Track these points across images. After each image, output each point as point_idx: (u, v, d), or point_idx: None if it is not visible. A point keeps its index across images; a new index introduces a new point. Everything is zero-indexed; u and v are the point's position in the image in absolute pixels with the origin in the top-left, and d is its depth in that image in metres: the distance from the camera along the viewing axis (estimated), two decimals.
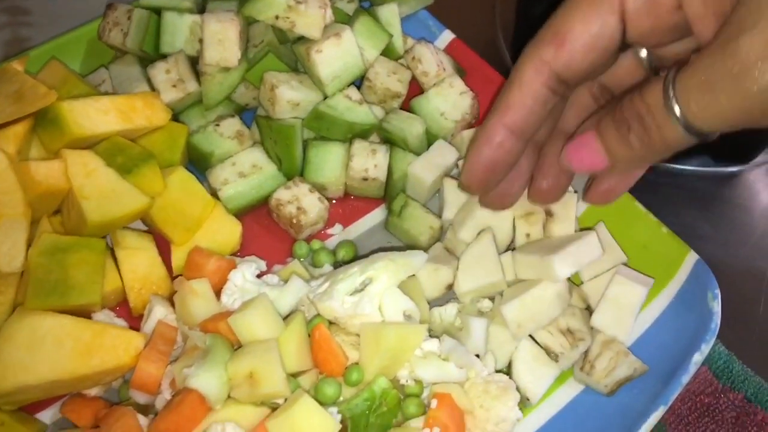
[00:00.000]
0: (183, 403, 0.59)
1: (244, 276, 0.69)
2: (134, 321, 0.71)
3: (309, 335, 0.66)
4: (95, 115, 0.69)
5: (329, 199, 0.82)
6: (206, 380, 0.59)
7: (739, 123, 0.44)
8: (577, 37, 0.49)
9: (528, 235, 0.74)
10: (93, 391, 0.68)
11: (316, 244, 0.79)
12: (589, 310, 0.73)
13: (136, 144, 0.72)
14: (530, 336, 0.71)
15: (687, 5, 0.47)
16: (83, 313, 0.66)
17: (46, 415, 0.68)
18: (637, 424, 0.67)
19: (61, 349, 0.63)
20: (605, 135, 0.52)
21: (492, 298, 0.74)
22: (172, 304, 0.70)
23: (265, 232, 0.81)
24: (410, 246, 0.79)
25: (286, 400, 0.61)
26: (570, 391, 0.72)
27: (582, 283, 0.75)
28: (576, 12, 0.49)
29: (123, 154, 0.70)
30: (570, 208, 0.73)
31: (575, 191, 0.74)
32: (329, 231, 0.82)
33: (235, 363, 0.60)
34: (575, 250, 0.69)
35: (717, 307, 0.71)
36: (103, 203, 0.66)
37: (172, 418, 0.59)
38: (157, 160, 0.72)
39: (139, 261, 0.72)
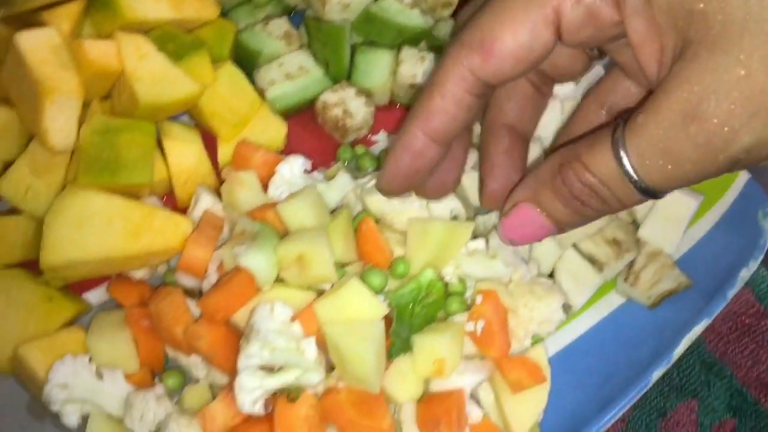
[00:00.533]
0: (233, 280, 0.59)
1: (291, 169, 0.68)
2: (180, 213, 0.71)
3: (355, 231, 0.66)
4: (147, 1, 0.69)
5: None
6: (256, 260, 0.59)
7: (703, 180, 0.41)
8: (505, 48, 0.43)
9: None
10: (139, 274, 0.68)
11: (360, 149, 0.78)
12: (635, 225, 0.73)
13: (186, 34, 0.71)
14: (575, 246, 0.70)
15: (630, 30, 0.42)
16: (132, 196, 0.66)
17: (93, 296, 0.69)
18: (678, 336, 0.67)
19: (110, 228, 0.63)
20: (552, 210, 0.47)
21: None
22: (218, 197, 0.70)
23: (310, 135, 0.80)
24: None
25: (332, 286, 0.61)
26: (612, 302, 0.72)
27: None
28: (505, 19, 0.43)
29: (174, 42, 0.70)
30: None
31: None
32: (373, 137, 0.81)
33: (285, 246, 0.60)
34: None
35: (767, 225, 0.70)
36: (155, 86, 0.66)
37: (221, 294, 0.59)
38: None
39: (186, 153, 0.72)
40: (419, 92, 0.48)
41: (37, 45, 0.62)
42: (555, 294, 0.64)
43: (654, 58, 0.41)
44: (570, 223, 0.47)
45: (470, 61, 0.44)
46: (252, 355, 0.55)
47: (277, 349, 0.56)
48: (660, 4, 0.39)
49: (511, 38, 0.43)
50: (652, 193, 0.41)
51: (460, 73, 0.45)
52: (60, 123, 0.63)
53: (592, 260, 0.70)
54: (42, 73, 0.61)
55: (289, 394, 0.58)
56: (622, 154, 0.40)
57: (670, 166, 0.39)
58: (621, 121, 0.41)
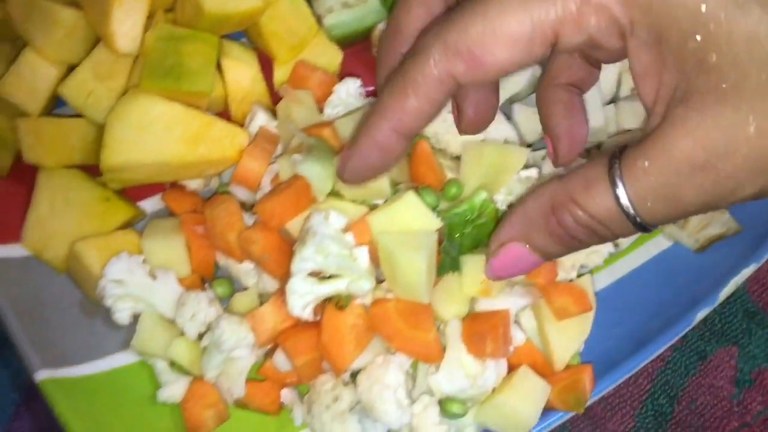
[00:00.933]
0: (290, 187, 0.60)
1: (348, 90, 0.69)
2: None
3: (408, 154, 0.66)
4: None
5: None
6: (313, 168, 0.60)
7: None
8: (496, 63, 0.41)
9: (633, 89, 0.73)
10: (193, 185, 0.70)
11: None
12: None
13: None
14: None
15: (633, 60, 0.40)
16: (191, 105, 0.66)
17: (147, 204, 0.71)
18: (725, 280, 0.67)
19: (170, 133, 0.64)
20: (544, 248, 0.46)
21: (588, 151, 0.73)
22: (273, 116, 0.71)
23: (363, 65, 0.80)
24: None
25: (385, 201, 0.61)
26: (659, 244, 0.72)
27: None
28: (499, 32, 0.40)
29: None
30: None
31: None
32: None
33: None
34: None
35: None
36: None
37: (277, 200, 0.60)
38: None
39: (243, 72, 0.72)
40: (389, 84, 0.45)
41: None
42: None
43: (653, 89, 0.40)
44: (561, 255, 0.47)
45: (454, 67, 0.41)
46: (306, 258, 0.56)
47: (331, 254, 0.57)
48: (671, 46, 0.38)
49: (504, 53, 0.40)
50: (647, 229, 0.41)
51: (440, 77, 0.42)
52: (126, 26, 0.64)
53: None
54: None
55: (338, 302, 0.59)
56: (621, 195, 0.40)
57: (672, 209, 0.39)
58: (616, 160, 0.40)
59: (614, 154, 0.41)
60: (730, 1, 0.36)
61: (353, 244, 0.59)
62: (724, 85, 0.36)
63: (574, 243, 0.44)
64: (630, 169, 0.39)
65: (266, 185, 0.66)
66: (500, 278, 0.51)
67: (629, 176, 0.39)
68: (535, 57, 0.41)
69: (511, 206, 0.61)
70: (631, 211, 0.40)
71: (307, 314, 0.58)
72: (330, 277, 0.58)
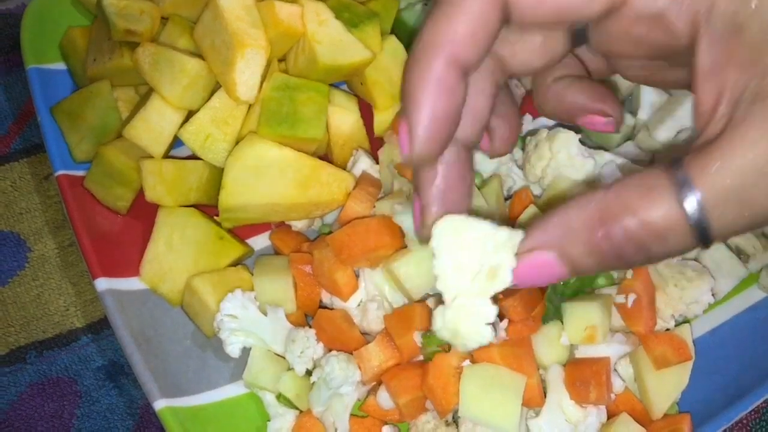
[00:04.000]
0: (371, 224, 0.63)
1: None
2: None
3: (507, 198, 0.69)
4: None
5: None
6: (410, 219, 0.62)
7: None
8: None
9: None
10: (298, 225, 0.73)
11: None
12: None
13: (359, 4, 0.76)
14: None
15: (700, 55, 0.38)
16: (302, 150, 0.70)
17: (255, 242, 0.74)
18: None
19: (283, 177, 0.68)
20: (579, 262, 0.40)
21: None
22: (374, 160, 0.74)
23: None
24: (600, 145, 0.80)
25: None
26: (753, 295, 0.72)
27: None
28: None
29: (349, 11, 0.74)
30: None
31: None
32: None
33: None
34: None
35: None
36: (333, 50, 0.70)
37: (346, 233, 0.63)
38: None
39: (345, 118, 0.76)
40: (429, 15, 0.39)
41: (233, 3, 0.68)
42: (706, 276, 0.65)
43: (716, 89, 0.37)
44: (591, 272, 0.41)
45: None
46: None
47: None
48: (748, 38, 0.35)
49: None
50: (708, 241, 0.37)
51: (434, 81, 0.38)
52: (247, 76, 0.68)
53: (738, 251, 0.70)
54: (236, 28, 0.67)
55: (443, 345, 0.61)
56: (689, 200, 0.36)
57: (745, 213, 0.36)
58: (677, 165, 0.36)
59: (675, 161, 0.37)
60: None
61: None
62: None
63: (615, 260, 0.39)
64: (699, 172, 0.36)
65: None
66: (520, 286, 0.43)
67: (699, 180, 0.35)
68: (599, 8, 0.38)
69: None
70: (699, 217, 0.36)
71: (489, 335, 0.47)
72: None
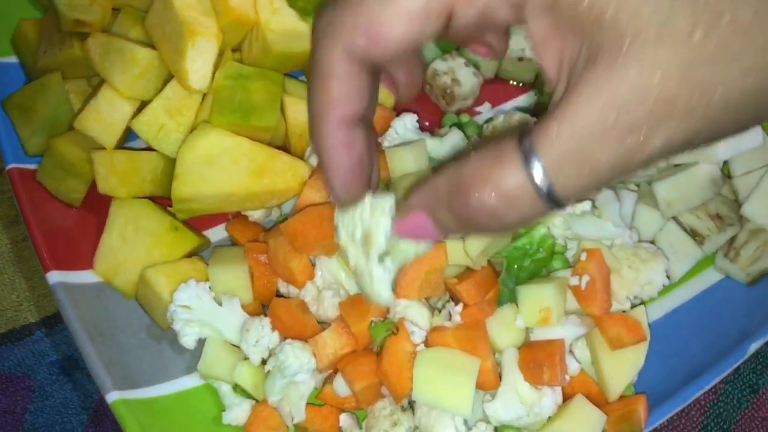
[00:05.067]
0: (325, 211, 0.63)
1: (405, 124, 0.72)
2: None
3: None
4: None
5: None
6: None
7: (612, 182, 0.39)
8: (393, 38, 0.40)
9: None
10: (255, 215, 0.73)
11: (465, 117, 0.81)
12: (737, 203, 0.73)
13: None
14: (676, 219, 0.72)
15: (531, 30, 0.40)
16: (255, 139, 0.70)
17: (211, 233, 0.74)
18: None
19: (237, 166, 0.68)
20: (445, 225, 0.43)
21: (638, 185, 0.75)
22: None
23: (417, 103, 0.83)
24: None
25: None
26: (709, 278, 0.73)
27: (733, 177, 0.75)
28: (393, 7, 0.40)
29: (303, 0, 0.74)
30: None
31: None
32: (478, 108, 0.84)
33: (398, 193, 0.63)
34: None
35: None
36: (286, 38, 0.70)
37: (300, 220, 0.63)
38: None
39: (302, 108, 0.75)
40: (310, 80, 0.44)
41: None
42: (660, 258, 0.65)
43: (555, 58, 0.39)
44: (460, 235, 0.47)
45: (355, 43, 0.41)
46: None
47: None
48: (564, 9, 0.37)
49: (400, 29, 0.40)
50: (559, 203, 0.38)
51: (348, 57, 0.42)
52: (198, 65, 0.67)
53: (693, 233, 0.71)
54: (187, 17, 0.66)
55: (391, 328, 0.61)
56: (535, 166, 0.37)
57: (586, 173, 0.37)
58: (526, 133, 0.38)
59: (524, 130, 0.39)
60: None
61: None
62: (625, 39, 0.35)
63: (474, 226, 0.41)
64: (542, 139, 0.37)
65: None
66: (405, 238, 0.47)
67: (541, 146, 0.37)
68: (430, 33, 0.41)
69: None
70: (545, 181, 0.37)
71: (388, 296, 0.51)
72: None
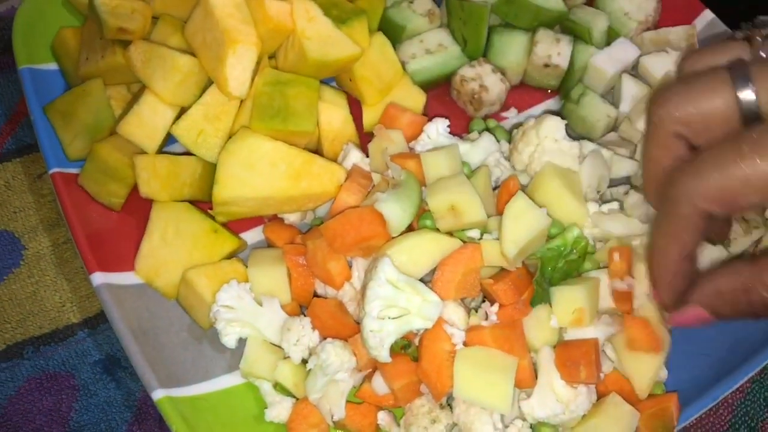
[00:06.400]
0: (363, 213, 0.64)
1: (437, 129, 0.73)
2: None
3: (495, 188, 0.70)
4: None
5: None
6: (391, 207, 0.64)
7: None
8: (747, 204, 0.47)
9: None
10: (291, 218, 0.74)
11: (492, 122, 0.83)
12: (763, 206, 0.75)
13: (347, 2, 0.78)
14: None
15: None
16: (294, 144, 0.71)
17: (248, 236, 0.75)
18: None
19: (275, 170, 0.69)
20: (722, 314, 0.52)
21: None
22: (364, 154, 0.75)
23: (444, 108, 0.85)
24: (584, 135, 0.82)
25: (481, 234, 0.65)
26: None
27: None
28: (755, 178, 0.46)
29: (337, 8, 0.76)
30: None
31: None
32: (504, 114, 0.86)
33: (436, 197, 0.65)
34: None
35: None
36: (322, 45, 0.72)
37: (340, 222, 0.64)
38: None
39: (335, 114, 0.78)
40: (659, 228, 0.53)
41: (224, 0, 0.69)
42: None
43: None
44: (731, 319, 0.52)
45: (712, 209, 0.48)
46: (373, 298, 0.61)
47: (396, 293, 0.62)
48: None
49: (758, 198, 0.46)
50: None
51: (700, 221, 0.49)
52: (238, 72, 0.69)
53: None
54: (227, 25, 0.68)
55: (403, 346, 0.63)
56: None
57: None
58: None
59: None
60: None
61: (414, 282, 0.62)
62: None
63: (750, 314, 0.50)
64: None
65: None
66: (680, 326, 0.57)
67: None
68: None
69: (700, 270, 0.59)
70: None
71: (384, 355, 0.61)
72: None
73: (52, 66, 0.80)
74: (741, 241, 0.72)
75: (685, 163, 0.49)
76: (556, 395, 0.62)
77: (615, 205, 0.69)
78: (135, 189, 0.72)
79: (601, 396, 0.64)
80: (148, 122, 0.71)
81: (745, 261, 0.50)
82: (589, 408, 0.63)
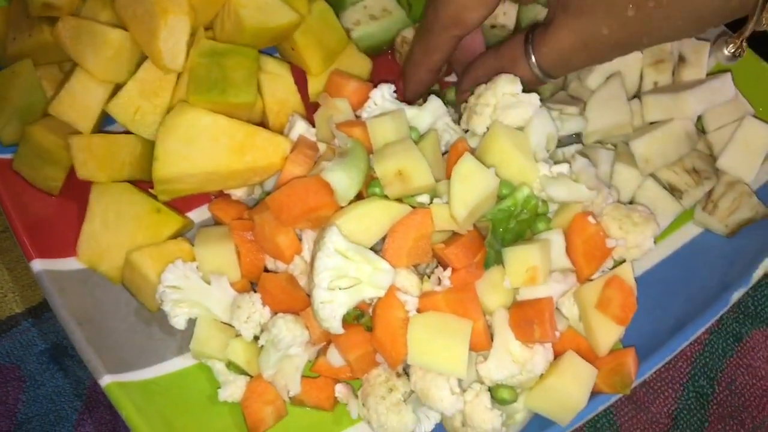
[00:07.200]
0: (310, 183, 0.62)
1: (383, 95, 0.72)
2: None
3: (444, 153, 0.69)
4: None
5: None
6: (338, 175, 0.62)
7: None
8: (476, 21, 0.69)
9: (656, 83, 0.76)
10: (237, 194, 0.72)
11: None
12: (713, 157, 0.75)
13: None
14: (654, 176, 0.73)
15: None
16: (234, 116, 0.69)
17: (194, 214, 0.73)
18: (756, 261, 0.69)
19: (216, 144, 0.67)
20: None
21: (615, 145, 0.76)
22: (310, 124, 0.74)
23: (392, 73, 0.84)
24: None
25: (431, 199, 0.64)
26: (689, 232, 0.74)
27: (707, 132, 0.76)
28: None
29: None
30: (702, 55, 0.74)
31: (707, 39, 0.75)
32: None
33: (382, 163, 0.63)
34: (709, 87, 0.70)
35: None
36: (259, 13, 0.70)
37: (286, 193, 0.63)
38: None
39: (278, 85, 0.75)
40: (417, 45, 0.74)
41: None
42: (651, 223, 0.66)
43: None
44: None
45: (455, 31, 0.69)
46: (323, 269, 0.60)
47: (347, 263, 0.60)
48: None
49: (480, 14, 0.68)
50: (552, 78, 0.69)
51: (449, 38, 0.70)
52: (172, 44, 0.67)
53: (671, 188, 0.72)
54: None
55: (356, 316, 0.62)
56: (534, 66, 0.67)
57: (566, 70, 0.68)
58: (529, 44, 0.67)
59: (527, 38, 0.67)
60: None
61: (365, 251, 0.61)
62: (587, 2, 0.62)
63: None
64: (538, 51, 0.67)
65: None
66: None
67: (538, 56, 0.67)
68: (493, 7, 0.68)
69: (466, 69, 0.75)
70: (541, 72, 0.67)
71: (337, 326, 0.60)
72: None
73: None
74: (693, 193, 0.72)
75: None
76: (512, 356, 0.62)
77: (565, 167, 0.68)
78: (72, 172, 0.70)
79: (557, 355, 0.64)
80: (81, 101, 0.68)
81: (490, 52, 0.72)
82: (547, 367, 0.62)
